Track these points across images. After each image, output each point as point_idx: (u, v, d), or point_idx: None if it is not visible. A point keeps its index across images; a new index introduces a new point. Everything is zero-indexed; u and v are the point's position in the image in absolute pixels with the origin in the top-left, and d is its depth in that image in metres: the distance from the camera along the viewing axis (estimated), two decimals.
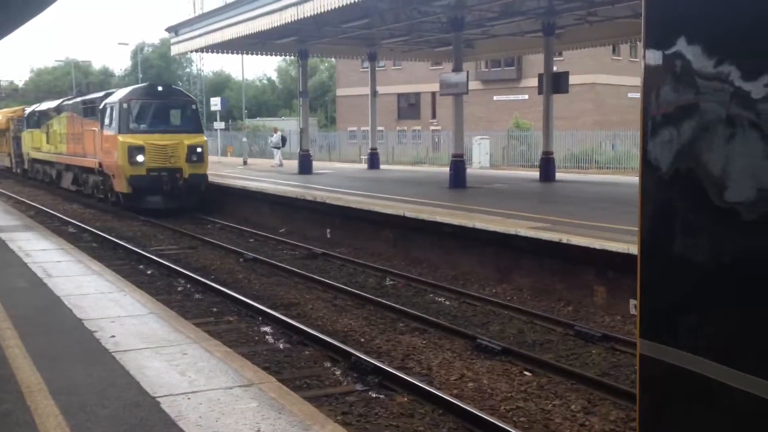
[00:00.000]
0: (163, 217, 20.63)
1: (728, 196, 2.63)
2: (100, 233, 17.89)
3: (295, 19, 19.12)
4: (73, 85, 69.76)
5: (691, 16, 2.83)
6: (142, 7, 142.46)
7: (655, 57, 2.99)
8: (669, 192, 2.90)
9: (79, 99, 26.82)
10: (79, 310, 7.32)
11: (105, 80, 79.47)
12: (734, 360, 2.54)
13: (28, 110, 35.96)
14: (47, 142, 30.17)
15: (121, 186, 21.55)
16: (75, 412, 4.67)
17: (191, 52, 29.03)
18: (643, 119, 3.01)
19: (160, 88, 22.85)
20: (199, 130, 22.92)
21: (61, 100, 30.34)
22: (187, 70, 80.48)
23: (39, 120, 32.16)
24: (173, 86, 25.26)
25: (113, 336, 6.36)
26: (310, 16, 18.69)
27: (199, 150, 22.05)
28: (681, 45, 2.85)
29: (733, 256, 2.60)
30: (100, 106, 22.79)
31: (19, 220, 15.99)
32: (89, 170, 24.69)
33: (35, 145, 32.57)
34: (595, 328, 9.47)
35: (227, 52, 28.01)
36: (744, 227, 2.56)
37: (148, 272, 13.50)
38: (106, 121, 22.22)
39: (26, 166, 35.77)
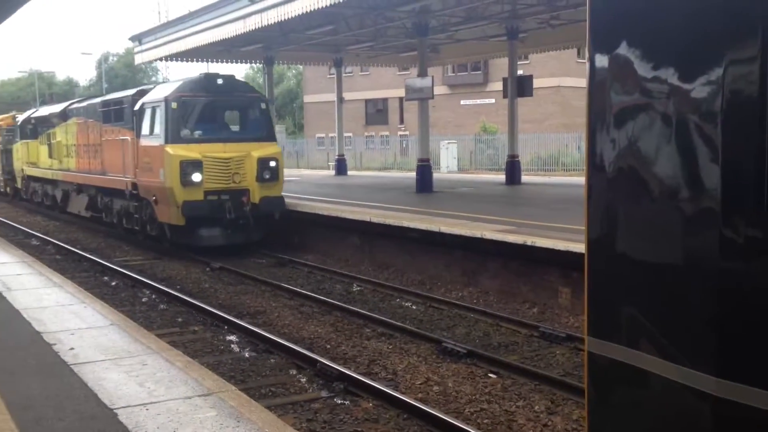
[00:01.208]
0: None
1: (670, 195, 2.67)
2: (64, 245, 17.65)
3: (260, 26, 19.08)
4: (36, 96, 69.01)
5: (633, 19, 2.88)
6: (106, 17, 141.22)
7: (599, 60, 3.04)
8: (614, 193, 2.95)
9: (97, 100, 21.12)
10: (37, 323, 7.22)
11: (69, 90, 78.47)
12: (672, 354, 2.59)
13: (21, 117, 29.54)
14: (49, 156, 24.49)
15: (168, 215, 15.91)
16: (31, 426, 4.60)
17: (155, 60, 28.80)
18: (589, 121, 3.06)
19: (219, 81, 16.71)
20: (271, 137, 17.19)
21: (67, 103, 24.39)
22: (153, 78, 79.89)
23: (36, 129, 26.66)
24: (236, 78, 18.35)
25: (72, 348, 6.28)
26: (275, 23, 18.66)
27: (272, 164, 16.40)
28: (624, 48, 2.91)
29: (674, 255, 2.64)
30: (136, 108, 17.10)
31: None
32: (115, 193, 18.74)
33: (31, 159, 26.85)
34: (559, 329, 9.55)
35: (192, 60, 27.84)
36: (685, 227, 2.60)
37: (113, 283, 13.35)
38: (145, 127, 16.59)
39: (19, 186, 29.28)
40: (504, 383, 7.62)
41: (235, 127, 17.57)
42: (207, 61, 29.06)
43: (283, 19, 18.10)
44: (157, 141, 16.07)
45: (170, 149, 15.59)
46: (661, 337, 2.67)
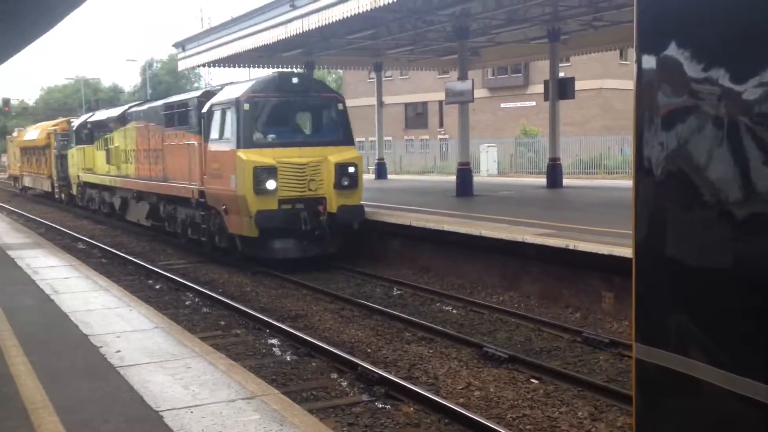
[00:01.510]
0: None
1: (721, 199, 2.62)
2: (109, 249, 17.96)
3: (301, 31, 19.17)
4: (82, 102, 70.43)
5: (683, 19, 2.83)
6: (150, 24, 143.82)
7: (647, 61, 2.99)
8: (663, 197, 2.89)
9: (158, 103, 19.94)
10: (84, 326, 7.35)
11: (114, 97, 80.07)
12: (722, 362, 2.53)
13: (77, 122, 29.05)
14: (106, 162, 23.52)
15: (240, 226, 14.75)
16: (78, 428, 4.68)
17: (198, 66, 29.20)
18: (636, 123, 3.01)
19: (294, 80, 15.54)
20: (349, 141, 15.75)
21: (126, 107, 23.61)
22: (196, 84, 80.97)
23: (92, 133, 25.74)
24: (311, 77, 15.96)
25: (118, 351, 6.38)
26: (315, 28, 18.75)
27: (351, 170, 15.08)
28: (673, 48, 2.85)
29: (724, 260, 2.58)
30: (204, 110, 15.88)
31: (28, 238, 16.08)
32: (179, 201, 17.60)
33: (87, 165, 25.95)
34: (602, 334, 9.42)
35: (234, 66, 28.16)
36: (736, 231, 2.55)
37: (157, 287, 13.54)
38: (214, 130, 15.38)
39: (74, 192, 28.54)
40: (546, 389, 7.54)
41: (310, 130, 16.37)
42: (248, 67, 29.38)
43: (324, 24, 18.17)
44: (227, 145, 14.90)
45: (243, 154, 14.38)
46: (710, 344, 2.62)
